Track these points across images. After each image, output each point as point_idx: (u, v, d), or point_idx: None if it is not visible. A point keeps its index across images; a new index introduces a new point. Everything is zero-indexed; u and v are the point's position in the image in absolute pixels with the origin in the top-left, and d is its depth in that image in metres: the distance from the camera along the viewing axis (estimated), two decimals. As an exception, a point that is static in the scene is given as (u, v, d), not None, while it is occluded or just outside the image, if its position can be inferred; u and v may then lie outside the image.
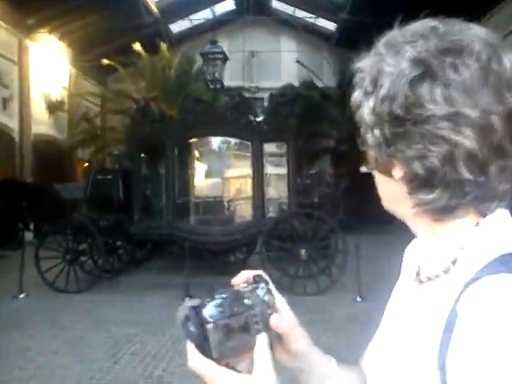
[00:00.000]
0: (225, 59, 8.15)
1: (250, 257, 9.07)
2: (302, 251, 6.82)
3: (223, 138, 8.31)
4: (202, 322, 0.55)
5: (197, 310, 0.56)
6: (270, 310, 0.61)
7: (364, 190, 8.02)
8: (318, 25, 21.68)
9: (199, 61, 17.99)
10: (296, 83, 19.54)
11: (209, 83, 8.03)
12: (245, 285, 0.62)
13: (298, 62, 19.94)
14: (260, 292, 0.60)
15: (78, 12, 16.73)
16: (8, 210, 13.38)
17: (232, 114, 7.34)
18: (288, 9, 21.39)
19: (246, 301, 0.58)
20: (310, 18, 21.24)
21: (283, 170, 8.04)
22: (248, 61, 20.20)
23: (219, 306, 0.56)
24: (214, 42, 8.19)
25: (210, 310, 0.56)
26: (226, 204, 8.12)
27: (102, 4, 16.99)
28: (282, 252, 6.95)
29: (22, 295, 7.28)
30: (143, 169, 7.63)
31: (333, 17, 19.10)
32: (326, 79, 19.64)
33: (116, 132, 18.07)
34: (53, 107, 17.51)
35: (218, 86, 7.99)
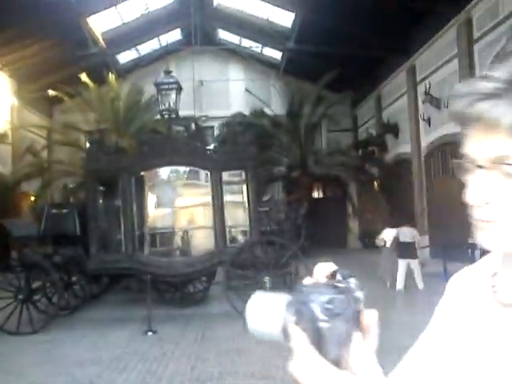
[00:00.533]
0: (179, 89, 8.17)
1: (210, 286, 8.99)
2: (266, 279, 6.83)
3: (179, 168, 8.30)
4: (314, 319, 0.52)
5: (303, 305, 0.53)
6: (360, 307, 0.56)
7: (321, 216, 8.20)
8: (265, 54, 22.18)
9: (147, 91, 18.20)
10: (245, 111, 19.84)
11: (163, 113, 7.99)
12: (329, 279, 0.57)
13: (246, 90, 20.28)
14: (352, 287, 0.56)
15: (21, 41, 16.35)
16: None
17: (189, 144, 7.35)
18: (235, 38, 21.79)
19: (345, 296, 0.54)
20: (257, 47, 21.72)
21: (240, 198, 8.11)
22: (197, 90, 20.30)
23: (329, 302, 0.53)
24: (167, 72, 8.22)
25: (319, 306, 0.52)
26: (185, 234, 8.04)
27: (46, 33, 16.68)
28: (245, 281, 6.93)
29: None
30: (99, 201, 7.46)
31: (278, 46, 19.59)
32: (275, 107, 20.05)
33: (64, 164, 17.65)
34: (-6, 140, 16.87)
35: (173, 116, 7.98)
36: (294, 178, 18.53)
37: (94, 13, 16.98)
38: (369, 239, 20.94)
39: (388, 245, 10.32)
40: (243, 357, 5.64)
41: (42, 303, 7.94)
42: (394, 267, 9.79)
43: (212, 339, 6.35)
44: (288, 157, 18.73)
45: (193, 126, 7.67)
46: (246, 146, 7.33)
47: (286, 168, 18.60)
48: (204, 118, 18.91)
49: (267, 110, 19.20)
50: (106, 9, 17.18)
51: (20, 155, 18.38)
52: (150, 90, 18.53)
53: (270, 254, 6.99)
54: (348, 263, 11.57)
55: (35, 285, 7.68)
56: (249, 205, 7.34)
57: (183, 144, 7.30)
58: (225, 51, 22.12)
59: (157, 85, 8.09)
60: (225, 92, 22.35)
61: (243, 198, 7.71)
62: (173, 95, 8.00)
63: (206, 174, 7.57)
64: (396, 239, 9.78)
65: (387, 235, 10.40)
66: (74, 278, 8.68)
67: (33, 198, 18.68)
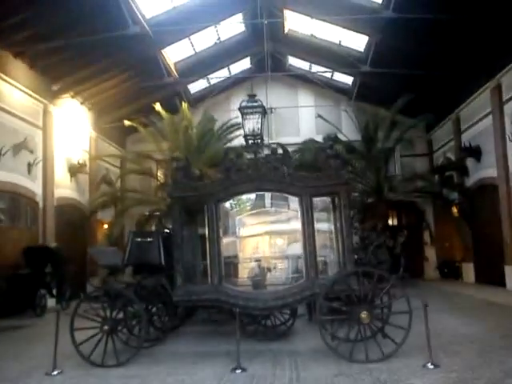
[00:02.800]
0: (264, 113, 7.90)
1: (295, 320, 8.49)
2: (363, 313, 6.28)
3: (265, 194, 8.00)
4: None
5: None
6: None
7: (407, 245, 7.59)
8: (335, 79, 21.85)
9: (218, 119, 18.28)
10: (316, 137, 19.48)
11: (247, 138, 7.72)
12: None
13: (319, 116, 19.93)
14: None
15: (100, 76, 16.96)
16: (32, 275, 13.02)
17: (277, 169, 7.00)
18: (304, 64, 21.64)
19: None
20: (326, 72, 21.44)
21: (330, 225, 7.64)
22: (267, 117, 20.20)
23: None
24: (251, 96, 7.97)
25: None
26: (274, 264, 7.65)
27: (123, 67, 17.26)
28: (341, 315, 6.40)
29: (55, 372, 6.68)
30: (184, 230, 7.22)
31: (350, 70, 19.20)
32: (346, 132, 19.57)
33: (137, 193, 17.92)
34: (74, 170, 17.41)
35: (258, 141, 7.69)
36: (369, 205, 17.86)
37: (169, 44, 17.33)
38: (448, 269, 19.77)
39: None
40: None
41: (125, 334, 7.75)
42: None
43: (308, 380, 5.82)
44: (362, 183, 18.10)
45: (279, 150, 7.30)
46: (338, 170, 6.88)
47: (360, 194, 17.95)
48: (275, 145, 18.66)
49: (340, 136, 18.75)
50: (179, 40, 17.50)
51: (96, 184, 18.88)
52: (221, 118, 18.81)
53: (367, 286, 6.43)
54: (427, 295, 10.76)
55: (119, 315, 7.51)
56: (341, 232, 6.84)
57: (271, 169, 6.96)
58: (294, 77, 22.00)
59: (241, 109, 7.86)
60: (295, 118, 22.15)
61: (334, 225, 7.23)
62: (258, 119, 7.75)
63: (296, 200, 7.18)
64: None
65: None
66: (154, 309, 8.46)
67: (106, 226, 19.08)
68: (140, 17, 14.42)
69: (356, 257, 7.09)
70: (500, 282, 15.03)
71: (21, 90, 14.35)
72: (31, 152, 14.50)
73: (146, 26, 14.68)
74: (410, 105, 17.45)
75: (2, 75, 13.49)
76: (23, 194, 14.40)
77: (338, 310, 6.41)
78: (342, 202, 6.80)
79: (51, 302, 13.88)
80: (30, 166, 14.65)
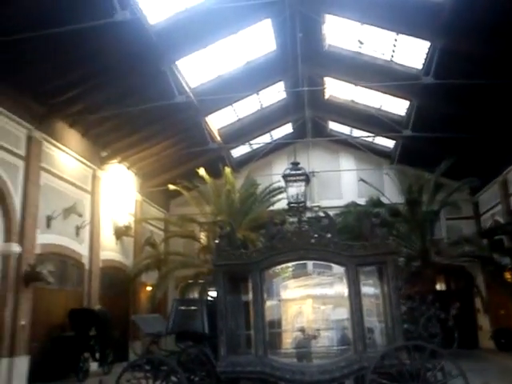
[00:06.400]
0: (307, 180, 7.96)
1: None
2: (416, 392, 5.95)
3: (308, 263, 7.90)
4: None
5: None
6: None
7: (445, 311, 7.27)
8: (376, 143, 21.96)
9: (260, 184, 18.49)
10: (358, 201, 19.37)
11: (291, 205, 7.75)
12: None
13: (361, 180, 19.91)
14: None
15: (146, 142, 17.66)
16: (77, 338, 13.11)
17: (322, 237, 6.95)
18: (345, 129, 21.91)
19: None
20: (368, 136, 21.59)
21: (376, 296, 7.41)
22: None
23: None
24: (295, 164, 8.07)
25: None
26: (320, 335, 7.43)
27: (168, 134, 17.96)
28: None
29: None
30: (228, 298, 7.17)
31: (392, 134, 19.28)
32: (389, 196, 19.39)
33: (180, 256, 18.05)
34: (120, 233, 17.83)
35: (301, 208, 7.70)
36: (415, 270, 17.31)
37: (213, 112, 17.97)
38: (505, 339, 18.61)
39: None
40: None
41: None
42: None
43: None
44: (407, 247, 17.66)
45: (321, 213, 7.27)
46: (384, 239, 6.77)
47: (406, 259, 17.46)
48: (317, 208, 18.68)
49: (382, 199, 18.58)
50: (223, 108, 18.13)
51: (140, 247, 19.19)
52: (263, 182, 19.04)
53: (418, 361, 6.13)
54: (485, 371, 9.99)
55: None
56: (389, 303, 6.63)
57: (316, 237, 6.91)
58: (335, 142, 22.24)
59: (284, 177, 7.94)
60: (336, 182, 22.21)
61: (381, 294, 7.01)
62: (301, 187, 7.80)
63: (341, 269, 7.06)
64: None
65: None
66: (197, 379, 8.27)
67: (150, 288, 19.17)
68: (186, 87, 15.13)
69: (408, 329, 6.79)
70: None
71: (73, 156, 15.08)
72: (80, 215, 14.99)
73: (192, 95, 15.38)
74: (453, 167, 17.25)
75: (59, 144, 14.26)
76: (71, 256, 14.79)
77: (390, 386, 6.10)
78: (389, 272, 6.63)
79: (93, 366, 13.85)
80: (78, 228, 15.12)
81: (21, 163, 12.67)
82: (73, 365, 12.89)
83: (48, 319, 13.24)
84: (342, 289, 7.23)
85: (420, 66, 15.11)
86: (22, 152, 12.73)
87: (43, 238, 13.31)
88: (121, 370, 7.30)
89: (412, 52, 15.14)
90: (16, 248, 12.08)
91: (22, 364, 11.88)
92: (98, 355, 13.95)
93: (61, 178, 14.47)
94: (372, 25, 14.29)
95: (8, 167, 12.17)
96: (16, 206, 12.33)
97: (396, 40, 14.71)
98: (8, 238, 12.00)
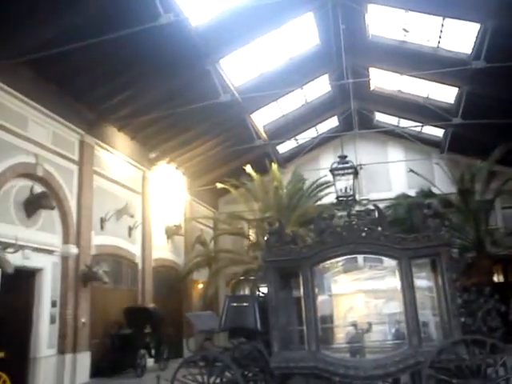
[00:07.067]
0: (356, 173, 7.85)
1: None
2: (477, 388, 5.77)
3: (358, 256, 7.80)
4: None
5: None
6: None
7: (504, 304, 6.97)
8: (425, 132, 21.40)
9: (306, 178, 18.39)
10: (408, 192, 18.96)
11: (340, 199, 7.67)
12: None
13: (411, 170, 19.45)
14: None
15: (193, 142, 17.92)
16: (133, 335, 13.50)
17: (373, 231, 6.85)
18: (392, 120, 21.46)
19: None
20: (416, 126, 21.07)
21: (430, 288, 7.23)
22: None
23: None
24: (342, 157, 7.97)
25: None
26: (373, 330, 7.33)
27: (214, 133, 18.14)
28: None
29: None
30: (279, 293, 7.18)
31: (440, 123, 18.72)
32: (439, 186, 18.86)
33: (230, 253, 18.25)
34: (170, 232, 18.19)
35: (350, 201, 7.60)
36: (470, 261, 16.75)
37: (257, 109, 18.02)
38: None
39: None
40: None
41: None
42: None
43: None
44: (461, 238, 17.13)
45: (376, 212, 7.15)
46: (438, 230, 6.60)
47: (460, 250, 16.93)
48: (366, 202, 18.41)
49: (433, 189, 18.09)
50: (267, 104, 18.14)
51: (191, 245, 19.52)
52: (310, 176, 18.94)
53: (477, 356, 5.94)
54: None
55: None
56: (444, 295, 6.45)
57: (366, 231, 6.82)
58: (382, 133, 21.84)
59: (332, 170, 7.87)
60: (385, 174, 21.83)
61: (435, 287, 6.84)
62: (349, 180, 7.71)
63: (393, 262, 6.93)
64: None
65: None
66: (250, 374, 8.34)
67: (201, 286, 19.50)
68: (230, 85, 15.23)
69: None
70: None
71: (123, 159, 15.50)
72: (131, 216, 15.39)
73: (236, 93, 15.46)
74: (508, 154, 16.58)
75: (109, 147, 14.71)
76: (124, 256, 15.22)
77: (448, 382, 5.94)
78: (443, 264, 6.46)
79: (149, 362, 14.23)
80: (130, 229, 15.54)
81: (75, 168, 13.15)
82: (131, 361, 13.31)
83: (105, 317, 13.72)
84: (395, 282, 7.09)
85: (469, 51, 14.58)
86: (75, 157, 13.21)
87: (98, 240, 13.77)
88: (176, 366, 7.46)
89: (460, 36, 14.62)
90: (74, 249, 12.57)
91: (84, 359, 12.41)
92: (153, 352, 14.31)
93: (112, 181, 14.92)
94: (417, 11, 13.92)
95: (64, 172, 12.66)
96: (72, 210, 12.81)
97: (443, 25, 14.24)
98: (66, 240, 12.49)
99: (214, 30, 12.86)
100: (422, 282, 7.39)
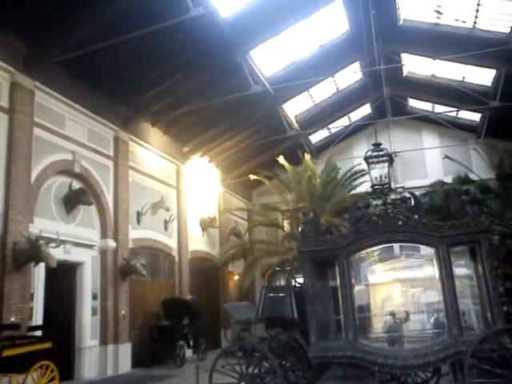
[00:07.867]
0: (391, 161, 7.75)
1: (439, 380, 7.86)
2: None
3: (394, 245, 7.71)
4: None
5: None
6: None
7: None
8: (460, 117, 20.87)
9: (340, 167, 18.22)
10: (445, 179, 18.55)
11: (375, 187, 7.58)
12: None
13: (446, 157, 19.04)
14: None
15: (225, 134, 17.98)
16: (172, 327, 13.73)
17: (409, 219, 6.76)
18: (426, 105, 21.01)
19: None
20: (451, 111, 20.57)
21: (471, 276, 7.09)
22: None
23: None
24: (377, 145, 7.88)
25: None
26: (411, 319, 7.26)
27: (246, 125, 18.15)
28: (494, 379, 5.80)
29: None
30: (316, 284, 7.18)
31: (477, 107, 18.19)
32: (477, 171, 18.37)
33: (265, 244, 18.28)
34: (205, 224, 18.37)
35: (386, 189, 7.51)
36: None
37: (289, 99, 17.92)
38: None
39: None
40: None
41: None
42: None
43: None
44: (501, 224, 16.67)
45: (412, 199, 7.05)
46: (476, 216, 6.46)
47: (500, 237, 16.50)
48: (401, 190, 18.11)
49: (470, 176, 17.63)
50: (299, 94, 18.02)
51: (226, 237, 19.68)
52: (343, 166, 18.76)
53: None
54: None
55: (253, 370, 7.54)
56: (485, 283, 6.33)
57: (402, 219, 6.74)
58: (416, 120, 21.41)
59: (366, 158, 7.79)
60: (420, 161, 21.43)
61: (475, 275, 6.71)
62: (384, 168, 7.61)
63: (430, 251, 6.83)
64: None
65: None
66: (288, 364, 8.38)
67: (237, 277, 19.64)
68: (261, 76, 15.19)
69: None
70: None
71: (157, 154, 15.72)
72: (167, 210, 15.61)
73: (267, 84, 15.41)
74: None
75: (143, 143, 14.94)
76: (161, 249, 15.47)
77: (491, 372, 5.83)
78: (483, 251, 6.33)
79: (188, 353, 14.46)
80: (166, 222, 15.77)
81: (110, 163, 13.43)
82: (170, 352, 13.57)
83: (144, 309, 14.01)
84: (432, 271, 7.00)
85: (507, 30, 14.07)
86: (110, 153, 13.48)
87: (135, 233, 14.04)
88: (215, 356, 7.57)
89: (498, 16, 14.12)
90: (112, 243, 12.86)
91: (125, 350, 12.76)
92: (191, 343, 14.53)
93: (147, 175, 15.16)
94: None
95: (100, 168, 12.94)
96: (109, 204, 13.10)
97: (479, 4, 13.79)
98: (104, 235, 12.80)
99: (244, 21, 12.82)
100: (461, 270, 7.26)
